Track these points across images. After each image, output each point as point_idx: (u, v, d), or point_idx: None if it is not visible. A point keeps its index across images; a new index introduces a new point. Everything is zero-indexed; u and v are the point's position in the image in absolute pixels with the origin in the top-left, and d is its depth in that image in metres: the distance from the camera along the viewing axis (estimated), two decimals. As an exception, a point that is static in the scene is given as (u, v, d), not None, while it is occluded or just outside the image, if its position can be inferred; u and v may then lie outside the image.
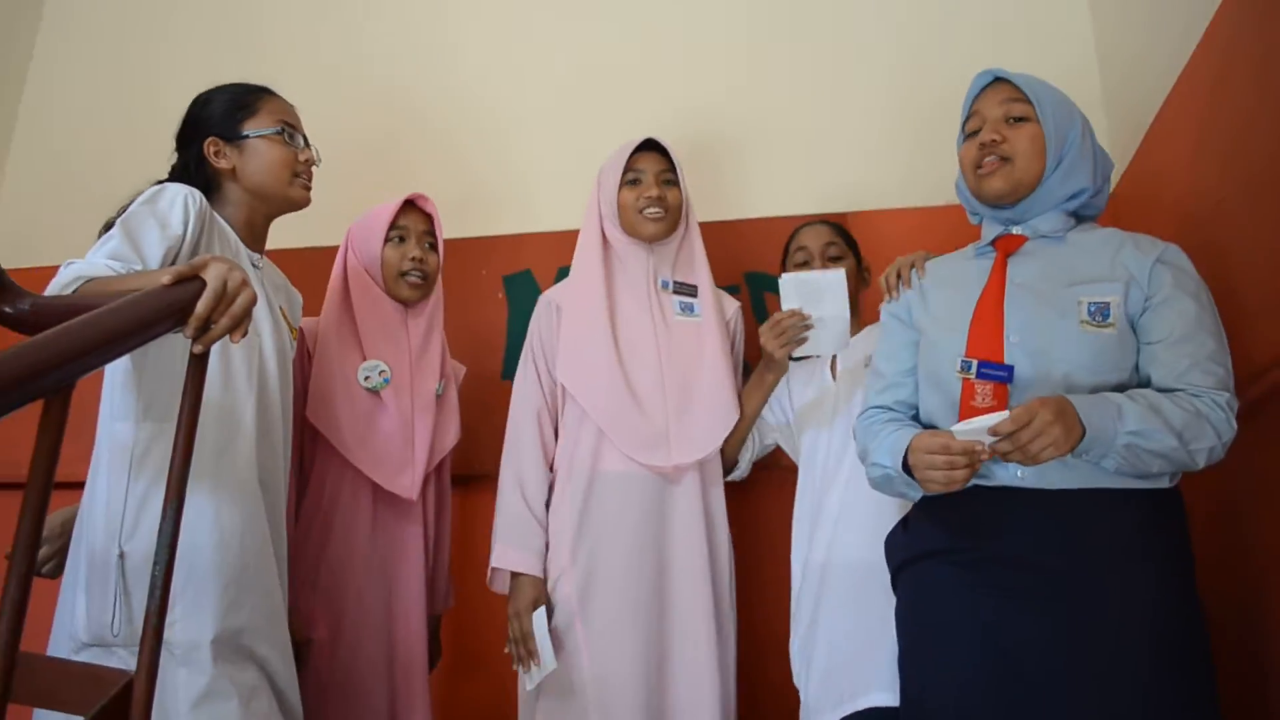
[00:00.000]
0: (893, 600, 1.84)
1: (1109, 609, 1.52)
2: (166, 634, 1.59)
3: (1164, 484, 1.62)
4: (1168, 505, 1.62)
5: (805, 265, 2.28)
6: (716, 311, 2.31)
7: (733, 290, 2.59)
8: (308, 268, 2.51)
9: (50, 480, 1.11)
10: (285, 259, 2.24)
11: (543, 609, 2.08)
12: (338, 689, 2.09)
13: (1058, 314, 1.68)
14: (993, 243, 1.84)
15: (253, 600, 1.77)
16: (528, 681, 2.08)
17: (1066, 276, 1.73)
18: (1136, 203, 2.35)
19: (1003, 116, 1.81)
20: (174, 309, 1.35)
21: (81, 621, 1.67)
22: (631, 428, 2.15)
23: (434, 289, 2.37)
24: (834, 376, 2.24)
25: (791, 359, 2.15)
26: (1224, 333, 1.67)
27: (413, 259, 2.30)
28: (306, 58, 3.22)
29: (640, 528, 2.11)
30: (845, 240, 2.35)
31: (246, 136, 1.99)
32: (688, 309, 2.30)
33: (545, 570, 2.14)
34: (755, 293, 2.68)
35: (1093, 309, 1.68)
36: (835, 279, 2.03)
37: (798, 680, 2.07)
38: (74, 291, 1.56)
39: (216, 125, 2.00)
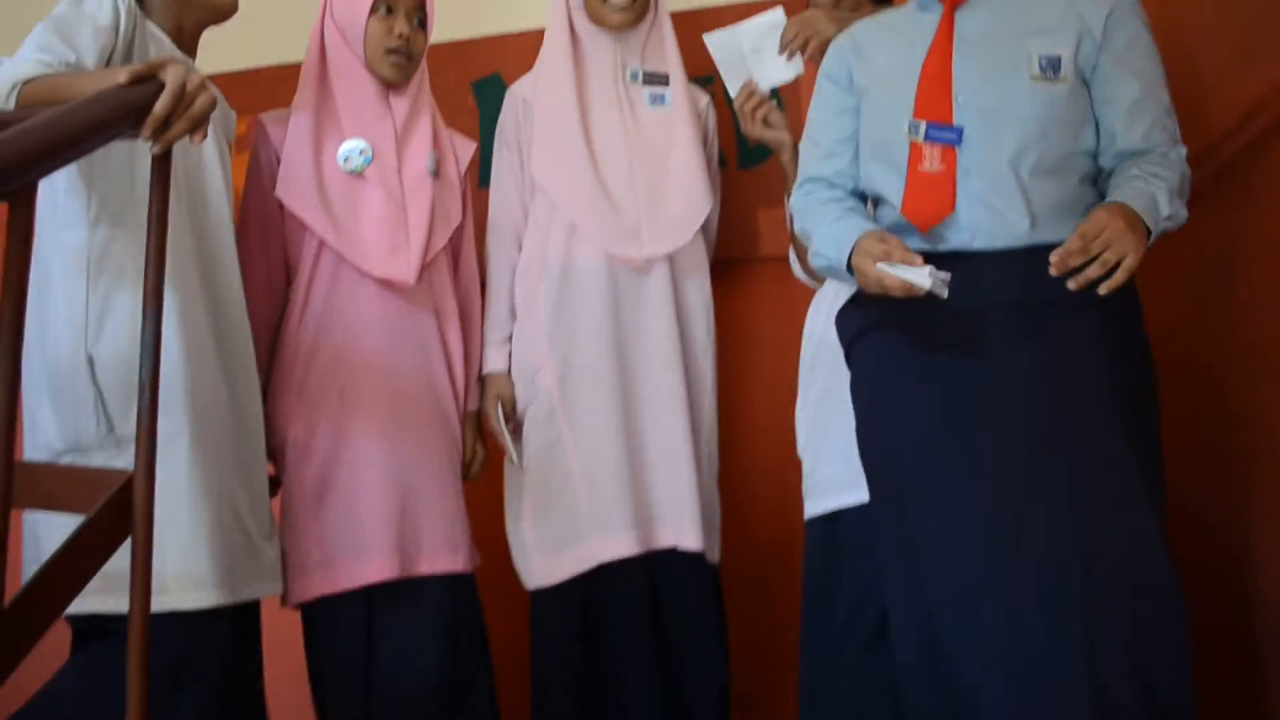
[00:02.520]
0: None
1: (1066, 358, 1.54)
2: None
3: None
4: None
5: None
6: (689, 101, 2.27)
7: (705, 81, 2.53)
8: (256, 89, 2.44)
9: (25, 281, 1.11)
10: (229, 82, 2.16)
11: (498, 405, 2.18)
12: (312, 493, 2.02)
13: (1007, 69, 1.62)
14: None
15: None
16: (520, 469, 2.16)
17: (1017, 27, 1.65)
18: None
19: None
20: (131, 109, 1.32)
21: (54, 429, 1.70)
22: (603, 220, 2.15)
23: (419, 68, 2.21)
24: None
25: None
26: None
27: (400, 35, 2.10)
28: None
29: (611, 318, 2.14)
30: None
31: None
32: (658, 100, 2.26)
33: (523, 362, 2.19)
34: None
35: (1043, 63, 1.61)
36: (711, 42, 2.05)
37: (802, 451, 2.10)
38: (13, 95, 1.52)
39: None
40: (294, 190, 2.06)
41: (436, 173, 2.19)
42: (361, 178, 2.10)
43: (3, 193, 1.08)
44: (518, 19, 2.75)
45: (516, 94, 2.31)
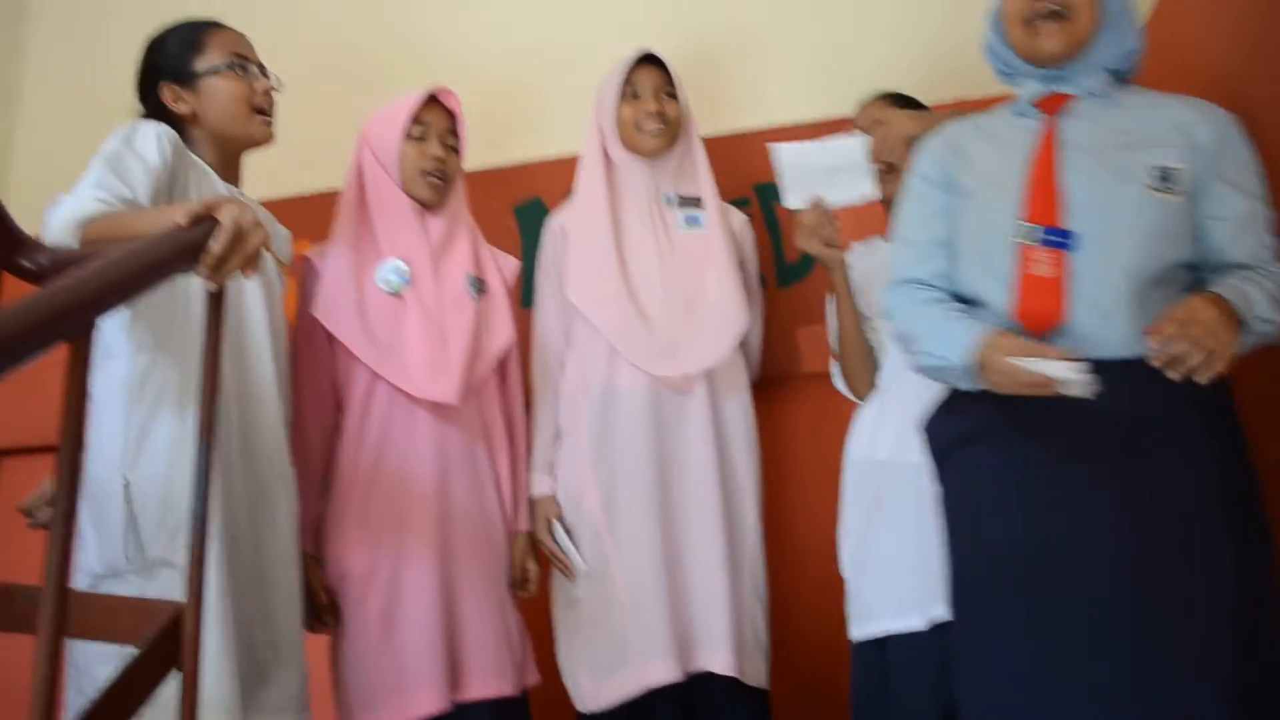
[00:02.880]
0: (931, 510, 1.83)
1: (1173, 479, 1.50)
2: (174, 557, 1.65)
3: None
4: (1227, 388, 1.58)
5: None
6: (722, 222, 2.32)
7: (743, 203, 2.58)
8: (309, 214, 2.51)
9: (83, 418, 1.14)
10: (285, 207, 2.24)
11: (556, 523, 2.19)
12: (378, 625, 2.01)
13: (1119, 178, 1.61)
14: (1035, 103, 1.74)
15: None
16: (576, 589, 2.17)
17: (1124, 139, 1.65)
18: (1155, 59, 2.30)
19: None
20: (189, 249, 1.38)
21: (94, 553, 1.73)
22: (639, 340, 2.18)
23: (455, 189, 2.25)
24: None
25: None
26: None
27: (434, 158, 2.17)
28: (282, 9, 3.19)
29: (653, 441, 2.15)
30: (907, 106, 2.22)
31: (199, 75, 1.97)
32: (693, 221, 2.31)
33: (568, 485, 2.20)
34: (765, 204, 2.66)
35: (1160, 174, 1.60)
36: (775, 155, 2.06)
37: (845, 570, 2.07)
38: (77, 233, 1.59)
39: (168, 69, 1.99)
40: (334, 314, 2.10)
41: (482, 290, 2.22)
42: (400, 299, 2.13)
43: (66, 335, 1.11)
44: (557, 144, 2.83)
45: (555, 223, 2.37)
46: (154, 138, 1.83)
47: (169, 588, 1.66)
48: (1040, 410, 1.53)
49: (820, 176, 2.07)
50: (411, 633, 2.00)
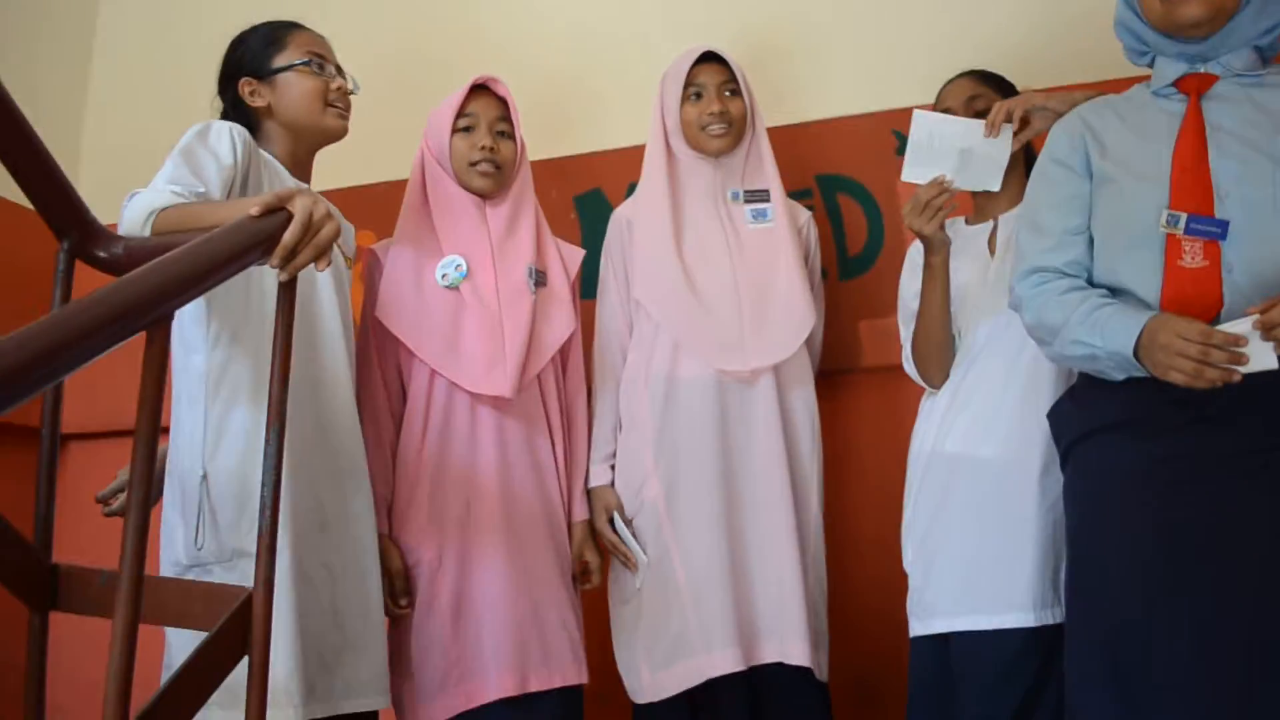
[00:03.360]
0: (1042, 507, 1.82)
1: None
2: (252, 547, 1.67)
3: None
4: None
5: None
6: (789, 218, 2.30)
7: (804, 194, 2.56)
8: (370, 204, 2.53)
9: (159, 407, 1.16)
10: (346, 197, 2.27)
11: (616, 515, 2.18)
12: (449, 611, 2.04)
13: (1273, 163, 1.53)
14: (1175, 83, 1.67)
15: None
16: (635, 580, 2.15)
17: (1274, 122, 1.56)
18: None
19: None
20: (262, 239, 1.39)
21: (181, 545, 1.78)
22: (706, 334, 2.17)
23: (516, 178, 2.26)
24: (991, 251, 2.07)
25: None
26: None
27: (482, 148, 2.18)
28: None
29: (717, 432, 2.14)
30: (996, 86, 2.14)
31: (277, 71, 2.02)
32: (760, 215, 2.29)
33: (628, 475, 2.20)
34: (828, 196, 2.64)
35: None
36: (918, 122, 1.95)
37: (909, 566, 2.05)
38: (149, 222, 1.62)
39: (248, 65, 2.04)
40: (391, 311, 2.14)
41: (541, 283, 2.23)
42: (459, 293, 2.15)
43: (143, 325, 1.13)
44: (617, 136, 2.83)
45: (620, 217, 2.36)
46: (228, 135, 1.86)
47: (248, 577, 1.66)
48: (1175, 405, 1.48)
49: (953, 155, 1.96)
50: (483, 621, 2.02)
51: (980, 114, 2.04)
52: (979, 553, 1.90)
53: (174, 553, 1.78)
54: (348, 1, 3.13)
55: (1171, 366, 1.44)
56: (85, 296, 1.09)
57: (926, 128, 1.98)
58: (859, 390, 2.54)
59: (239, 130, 1.89)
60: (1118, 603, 1.54)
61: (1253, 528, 1.45)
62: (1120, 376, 1.56)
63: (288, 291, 1.41)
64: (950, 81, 2.20)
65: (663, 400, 2.19)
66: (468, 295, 2.14)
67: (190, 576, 1.74)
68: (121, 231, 1.64)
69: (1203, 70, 1.65)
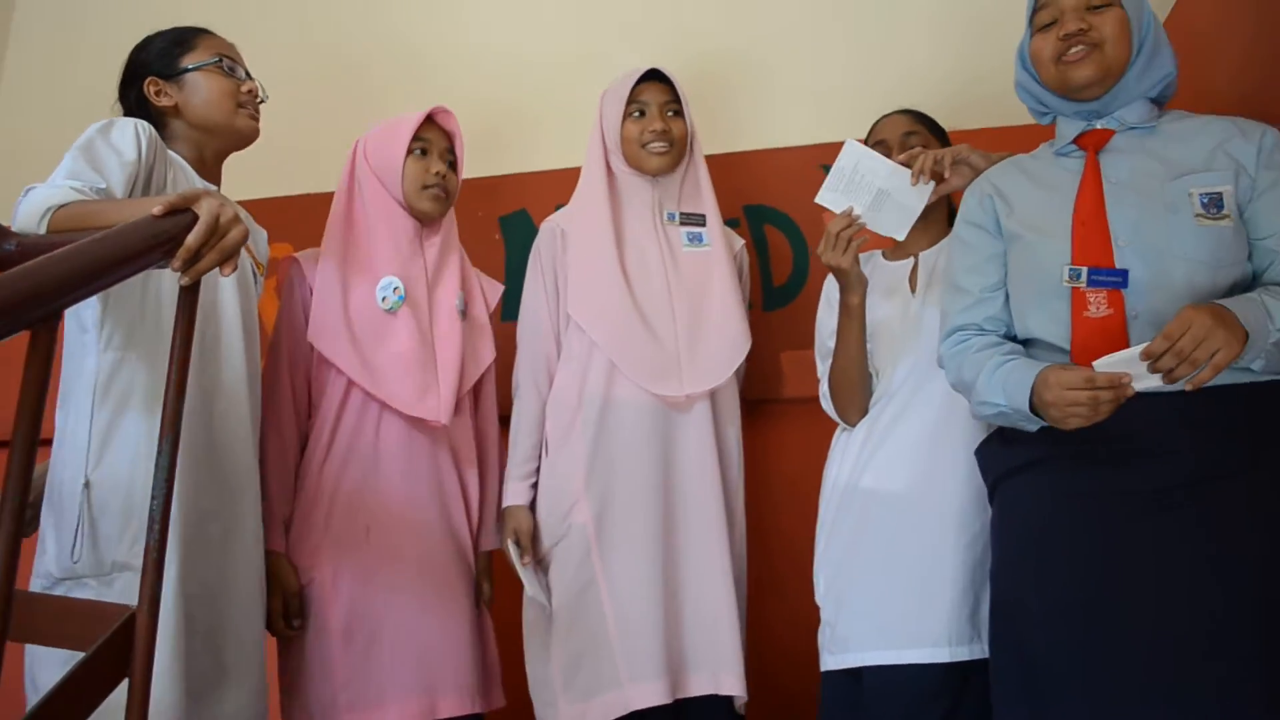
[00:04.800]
0: (959, 543, 1.83)
1: (1242, 515, 1.45)
2: (136, 561, 1.57)
3: None
4: None
5: None
6: (725, 242, 2.29)
7: (732, 224, 2.56)
8: (286, 215, 2.47)
9: (39, 411, 1.09)
10: (262, 207, 2.21)
11: (510, 543, 2.14)
12: (339, 633, 1.98)
13: (1167, 209, 1.58)
14: (1075, 140, 1.73)
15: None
16: (545, 606, 2.12)
17: (1168, 169, 1.63)
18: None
19: (1084, 4, 1.68)
20: (164, 240, 1.33)
21: (52, 555, 1.68)
22: (642, 358, 2.13)
23: (450, 209, 2.27)
24: (913, 289, 2.06)
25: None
26: None
27: (436, 173, 2.17)
28: (278, 10, 3.16)
29: (651, 457, 2.11)
30: (930, 127, 2.16)
31: (186, 70, 1.96)
32: (696, 239, 2.27)
33: (555, 497, 2.15)
34: (755, 226, 2.64)
35: (1205, 200, 1.57)
36: (849, 150, 1.93)
37: (821, 599, 2.03)
38: (45, 219, 1.54)
39: (154, 65, 1.98)
40: (325, 334, 2.08)
41: (465, 313, 2.21)
42: (394, 315, 2.11)
43: (27, 322, 1.06)
44: (545, 158, 2.81)
45: (554, 225, 2.30)
46: (132, 130, 1.79)
47: (128, 593, 1.59)
48: (1094, 441, 1.50)
49: (870, 193, 1.94)
50: (381, 646, 1.97)
51: (912, 152, 2.03)
52: (893, 587, 1.89)
53: (45, 564, 1.68)
54: (274, 15, 3.07)
55: (1067, 417, 1.49)
56: (-35, 290, 1.02)
57: (854, 158, 1.96)
58: (781, 421, 2.53)
59: (144, 126, 1.81)
60: (1037, 638, 1.55)
61: (1170, 560, 1.46)
62: (1034, 429, 1.60)
63: (189, 296, 1.35)
64: (885, 116, 2.21)
65: (596, 422, 2.13)
66: (404, 319, 2.11)
67: (59, 591, 1.65)
68: (15, 228, 1.56)
69: (1099, 126, 1.72)
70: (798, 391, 2.42)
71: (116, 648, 1.21)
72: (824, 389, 2.11)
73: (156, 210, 1.36)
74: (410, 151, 2.18)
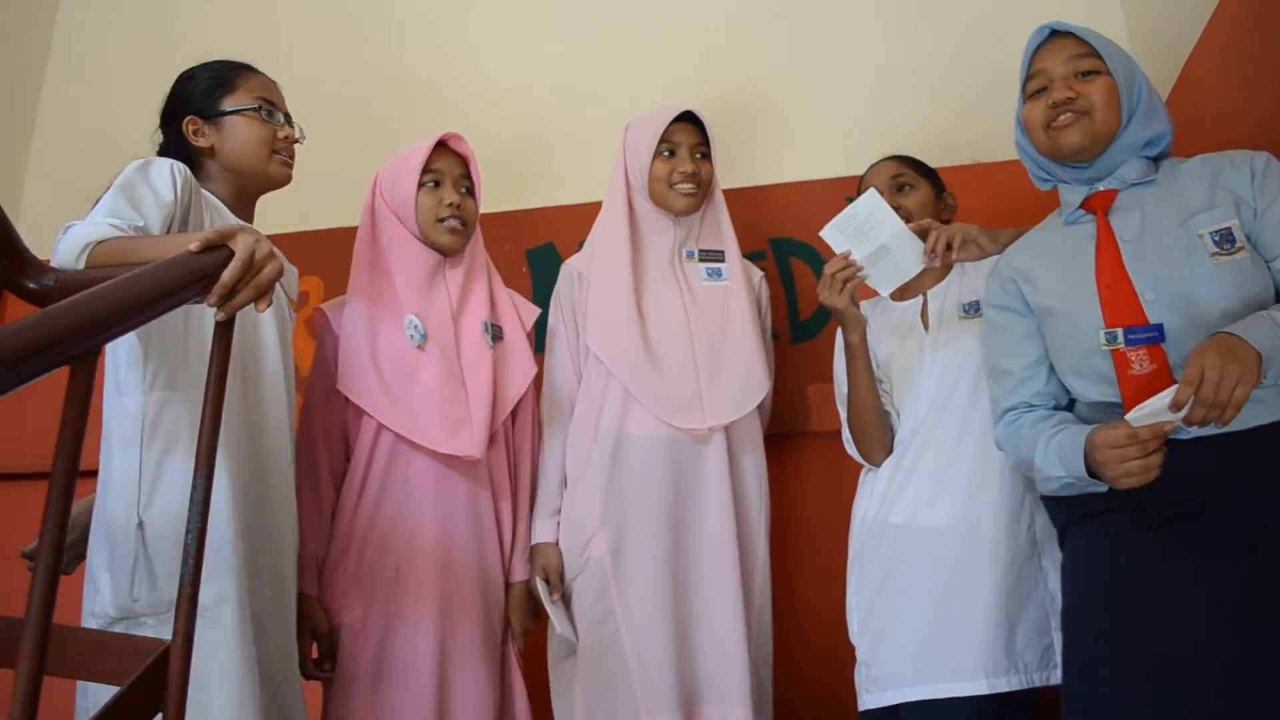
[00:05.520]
0: (994, 575, 1.84)
1: None
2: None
3: None
4: None
5: None
6: (744, 277, 2.29)
7: (758, 256, 2.57)
8: (314, 250, 2.50)
9: (78, 447, 1.09)
10: (290, 242, 2.23)
11: (539, 580, 2.13)
12: (369, 679, 1.98)
13: (1184, 255, 1.61)
14: (1083, 205, 1.76)
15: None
16: (569, 639, 2.11)
17: (1175, 215, 1.65)
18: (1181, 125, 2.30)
19: (1072, 72, 1.74)
20: (200, 276, 1.34)
21: (108, 596, 1.68)
22: (658, 392, 2.13)
23: (474, 235, 2.25)
24: (926, 326, 2.08)
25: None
26: None
27: (450, 204, 2.15)
28: (313, 33, 3.21)
29: (667, 489, 2.10)
30: (918, 169, 2.21)
31: (224, 114, 1.97)
32: (715, 274, 2.28)
33: (574, 531, 2.15)
34: (781, 259, 2.65)
35: (1216, 238, 1.60)
36: (867, 199, 1.95)
37: (855, 638, 2.02)
38: (84, 255, 1.55)
39: (195, 103, 1.99)
40: (352, 380, 2.07)
41: (499, 336, 2.20)
42: (423, 353, 2.10)
43: (67, 358, 1.07)
44: (570, 192, 2.83)
45: (571, 268, 2.33)
46: (169, 171, 1.81)
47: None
48: (1160, 489, 1.50)
49: (873, 244, 1.96)
50: (402, 691, 1.96)
51: (903, 190, 2.15)
52: (927, 622, 1.88)
53: (100, 604, 1.68)
54: (300, 46, 3.11)
55: (1120, 475, 1.50)
56: (7, 325, 1.03)
57: (869, 208, 1.98)
58: (807, 454, 2.53)
59: (180, 167, 1.83)
60: (1114, 676, 1.54)
61: (1246, 603, 1.45)
62: (1104, 489, 1.59)
63: (224, 332, 1.36)
64: (873, 166, 2.25)
65: (612, 454, 2.14)
66: (431, 355, 2.10)
67: (119, 629, 1.65)
68: (55, 264, 1.58)
69: (1102, 188, 1.75)
70: (824, 425, 2.42)
71: (150, 682, 1.21)
72: (846, 434, 2.12)
73: (193, 246, 1.37)
74: (422, 185, 2.16)
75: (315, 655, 2.03)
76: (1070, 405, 1.75)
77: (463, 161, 2.23)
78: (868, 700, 1.95)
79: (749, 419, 2.21)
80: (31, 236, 1.49)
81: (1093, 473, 1.55)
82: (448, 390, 2.07)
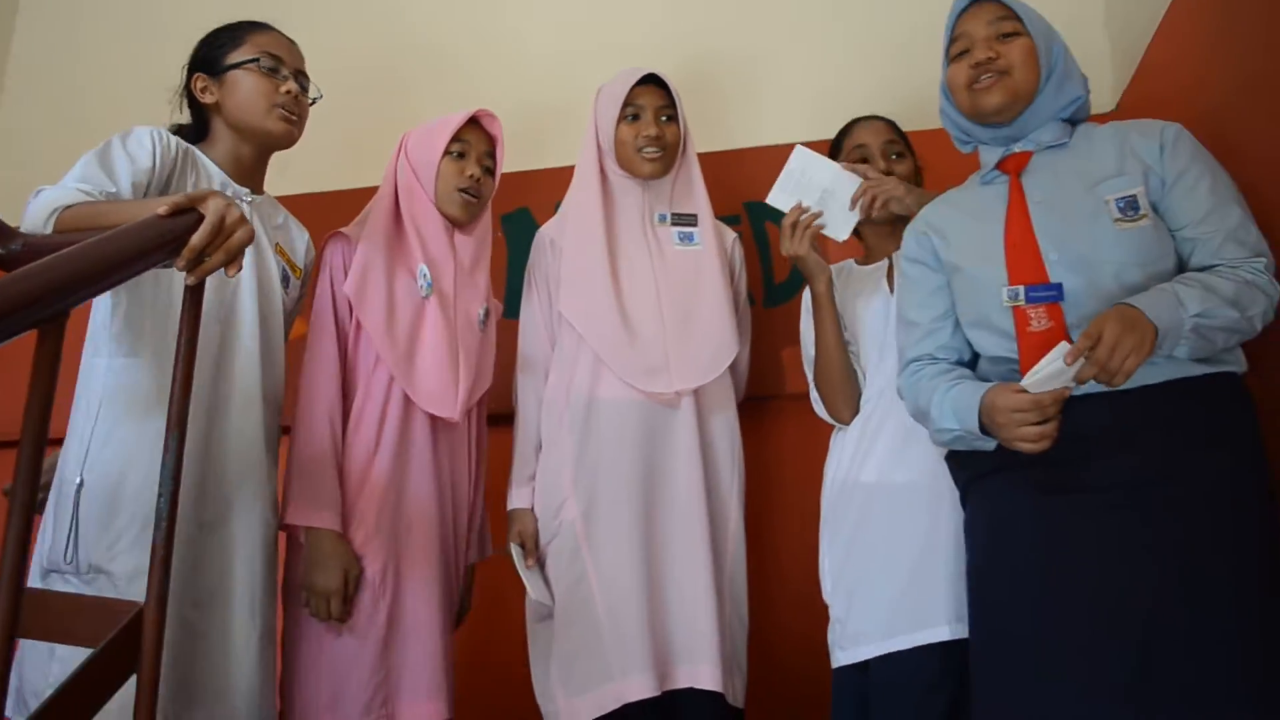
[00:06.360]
0: (949, 527, 1.85)
1: (1186, 504, 1.50)
2: (110, 565, 1.65)
3: (1230, 367, 1.60)
4: (1233, 388, 1.61)
5: (864, 164, 2.18)
6: (716, 240, 2.29)
7: (733, 220, 2.57)
8: (317, 210, 2.48)
9: (47, 410, 1.10)
10: (305, 203, 2.24)
11: (514, 545, 2.15)
12: (381, 633, 1.97)
13: (1089, 219, 1.66)
14: (997, 166, 1.81)
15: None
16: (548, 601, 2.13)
17: (1084, 180, 1.70)
18: (1143, 108, 2.32)
19: (994, 35, 1.79)
20: (169, 239, 1.34)
21: (46, 547, 1.71)
22: (628, 356, 2.14)
23: (484, 213, 2.27)
24: (891, 288, 2.11)
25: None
26: (1241, 195, 1.67)
27: (470, 176, 2.17)
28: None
29: (637, 453, 2.11)
30: (905, 141, 2.26)
31: (227, 68, 1.97)
32: (686, 238, 2.28)
33: (547, 496, 2.16)
34: (756, 222, 2.66)
35: (1121, 204, 1.66)
36: (797, 155, 2.09)
37: (829, 597, 2.05)
38: (52, 219, 1.55)
39: (204, 60, 1.99)
40: (368, 306, 2.06)
41: (485, 322, 2.23)
42: (426, 304, 2.12)
43: (34, 321, 1.07)
44: (544, 157, 2.81)
45: (544, 236, 2.34)
46: (149, 139, 1.81)
47: (102, 594, 1.64)
48: (1060, 442, 1.55)
49: (816, 192, 2.09)
50: (413, 649, 1.99)
51: (897, 158, 2.20)
52: (901, 578, 1.91)
53: (40, 553, 1.71)
54: (303, 16, 3.09)
55: (1016, 439, 1.55)
56: (-28, 290, 1.03)
57: (802, 161, 2.11)
58: (782, 417, 2.54)
59: (163, 134, 1.83)
60: (1011, 626, 1.60)
61: (1133, 553, 1.51)
62: (990, 448, 1.65)
63: (194, 296, 1.36)
64: (864, 121, 2.27)
65: (583, 420, 2.15)
66: (433, 314, 2.12)
67: (47, 583, 1.68)
68: (24, 228, 1.57)
69: (1017, 150, 1.80)
70: (798, 387, 2.42)
71: (124, 644, 1.22)
72: (813, 394, 2.16)
73: (162, 210, 1.36)
74: (448, 153, 2.18)
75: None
76: (974, 362, 1.80)
77: (490, 140, 2.25)
78: (841, 657, 1.97)
79: (721, 382, 2.21)
80: (-1, 203, 1.49)
81: (985, 430, 1.61)
82: (445, 351, 2.10)
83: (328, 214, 2.44)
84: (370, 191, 2.29)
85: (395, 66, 3.09)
